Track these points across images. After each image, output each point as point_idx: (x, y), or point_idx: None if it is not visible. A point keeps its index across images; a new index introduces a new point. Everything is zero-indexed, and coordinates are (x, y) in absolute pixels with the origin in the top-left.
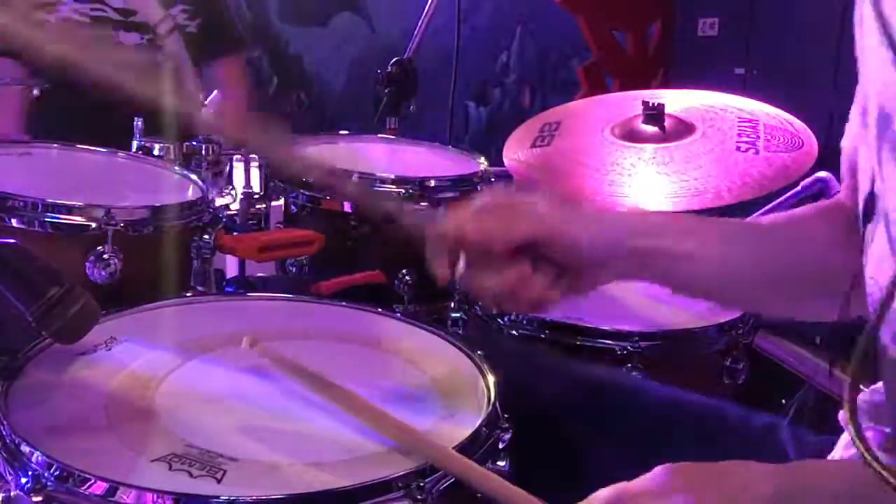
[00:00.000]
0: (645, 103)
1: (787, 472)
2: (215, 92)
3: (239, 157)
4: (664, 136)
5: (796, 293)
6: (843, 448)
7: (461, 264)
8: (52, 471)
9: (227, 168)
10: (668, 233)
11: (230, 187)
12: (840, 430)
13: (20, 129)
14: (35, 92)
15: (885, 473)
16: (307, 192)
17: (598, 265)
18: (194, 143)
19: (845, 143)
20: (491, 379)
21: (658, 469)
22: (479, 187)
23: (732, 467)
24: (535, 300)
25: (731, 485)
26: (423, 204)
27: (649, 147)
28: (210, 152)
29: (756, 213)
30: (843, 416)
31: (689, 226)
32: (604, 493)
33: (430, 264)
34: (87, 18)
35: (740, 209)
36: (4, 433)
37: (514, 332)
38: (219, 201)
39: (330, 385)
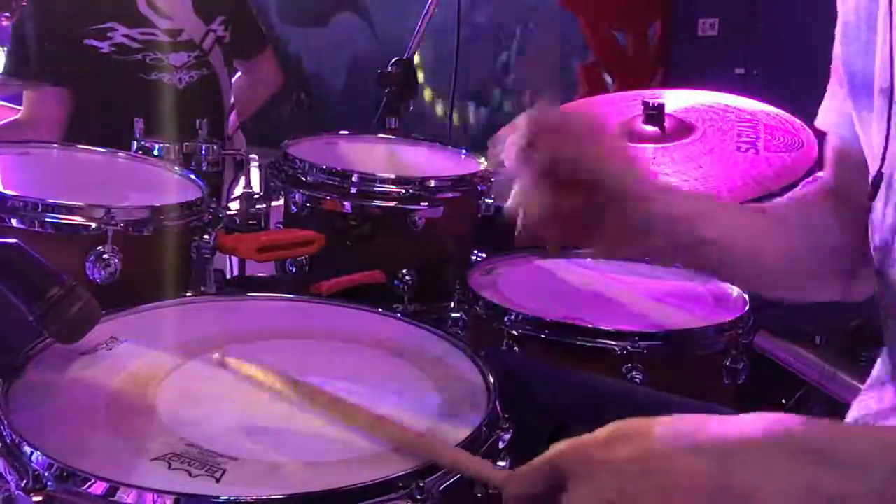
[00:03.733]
0: (645, 103)
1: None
2: (238, 74)
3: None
4: (664, 136)
5: (808, 276)
6: None
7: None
8: (52, 471)
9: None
10: (699, 218)
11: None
12: None
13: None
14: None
15: None
16: (307, 192)
17: (640, 233)
18: (195, 143)
19: (828, 126)
20: (491, 379)
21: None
22: (479, 187)
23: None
24: (570, 235)
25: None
26: (423, 204)
27: (649, 147)
28: (210, 152)
29: None
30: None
31: (715, 211)
32: (558, 445)
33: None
34: (139, 44)
35: None
36: (4, 433)
37: (514, 332)
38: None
39: (308, 386)
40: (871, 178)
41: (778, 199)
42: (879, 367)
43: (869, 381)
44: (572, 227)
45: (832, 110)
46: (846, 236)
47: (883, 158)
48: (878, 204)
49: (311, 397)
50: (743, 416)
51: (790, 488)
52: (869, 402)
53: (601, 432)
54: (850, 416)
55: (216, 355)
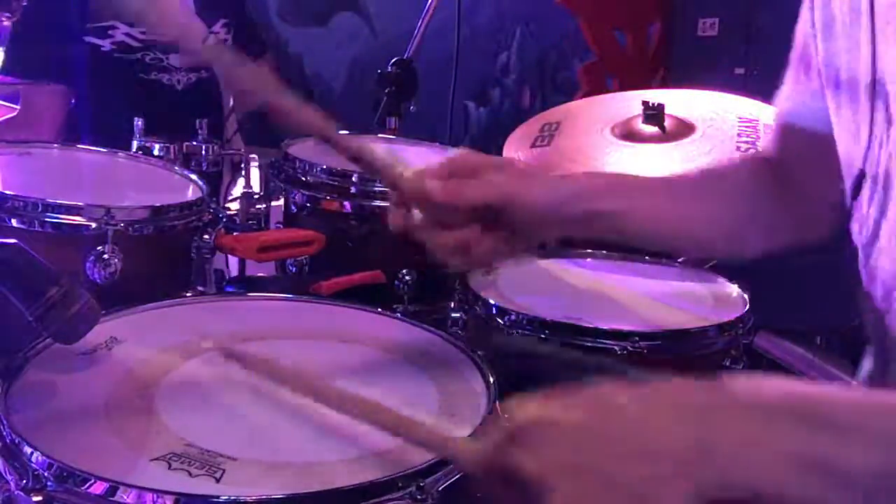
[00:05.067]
0: (645, 103)
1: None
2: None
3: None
4: (664, 136)
5: (719, 238)
6: None
7: (416, 215)
8: (51, 471)
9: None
10: (616, 193)
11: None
12: None
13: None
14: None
15: None
16: (307, 192)
17: (549, 227)
18: (194, 143)
19: (780, 105)
20: (491, 379)
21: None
22: None
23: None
24: (484, 257)
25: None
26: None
27: (649, 147)
28: (210, 152)
29: None
30: None
31: (637, 184)
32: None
33: (388, 210)
34: (139, 43)
35: None
36: (4, 433)
37: (514, 332)
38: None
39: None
40: (853, 175)
41: (692, 169)
42: (865, 366)
43: (857, 379)
44: (479, 247)
45: (786, 94)
46: (772, 203)
47: (866, 156)
48: (862, 201)
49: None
50: (727, 379)
51: (776, 456)
52: None
53: (570, 396)
54: None
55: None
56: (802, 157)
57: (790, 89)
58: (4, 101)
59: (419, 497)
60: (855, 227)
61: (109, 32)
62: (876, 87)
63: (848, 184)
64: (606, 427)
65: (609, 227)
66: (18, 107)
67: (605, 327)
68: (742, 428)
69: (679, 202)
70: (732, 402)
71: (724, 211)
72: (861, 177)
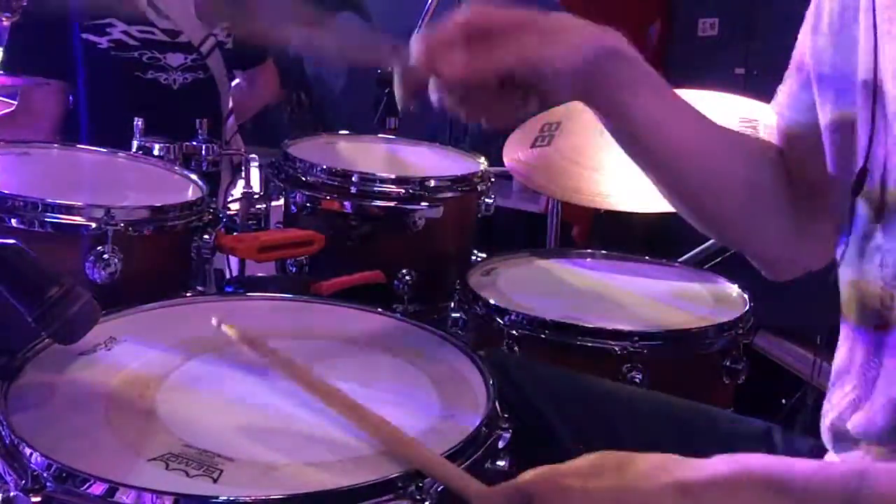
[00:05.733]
0: None
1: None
2: (237, 81)
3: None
4: None
5: (743, 203)
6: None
7: (432, 91)
8: (51, 471)
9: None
10: (645, 85)
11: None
12: None
13: (57, 132)
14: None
15: None
16: (307, 192)
17: (565, 91)
18: (194, 143)
19: (778, 106)
20: (491, 379)
21: (593, 454)
22: (479, 187)
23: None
24: (500, 117)
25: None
26: (423, 204)
27: None
28: (210, 152)
29: None
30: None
31: (666, 89)
32: (534, 471)
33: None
34: (136, 41)
35: None
36: (4, 433)
37: (514, 332)
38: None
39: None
40: (855, 173)
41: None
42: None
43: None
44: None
45: (784, 94)
46: (785, 189)
47: (867, 154)
48: (861, 199)
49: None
50: (713, 458)
51: None
52: (833, 395)
53: (580, 462)
54: (824, 409)
55: (214, 320)
56: (804, 152)
57: (788, 87)
58: (3, 97)
59: (419, 497)
60: (853, 225)
61: (106, 30)
62: (877, 85)
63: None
64: (617, 497)
65: (621, 112)
66: (15, 102)
67: (605, 327)
68: (735, 499)
69: (705, 133)
70: (725, 476)
71: (747, 169)
72: (863, 175)
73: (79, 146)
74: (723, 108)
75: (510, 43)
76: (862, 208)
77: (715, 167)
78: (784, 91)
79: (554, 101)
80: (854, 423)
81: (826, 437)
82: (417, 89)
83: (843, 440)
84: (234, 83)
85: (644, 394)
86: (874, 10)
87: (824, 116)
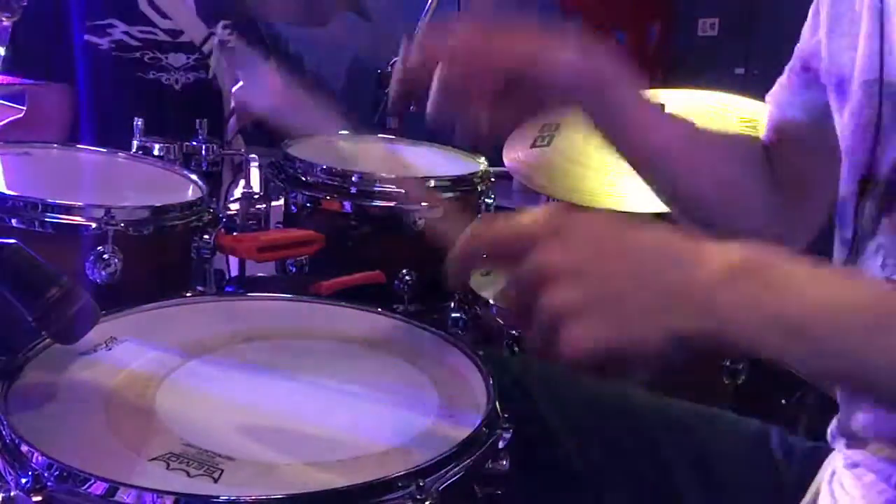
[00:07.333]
0: None
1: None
2: (240, 83)
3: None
4: None
5: (731, 199)
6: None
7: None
8: (52, 471)
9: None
10: (636, 94)
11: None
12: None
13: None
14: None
15: None
16: (307, 192)
17: (561, 100)
18: (194, 143)
19: (772, 97)
20: (491, 379)
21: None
22: (479, 187)
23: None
24: (500, 128)
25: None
26: (423, 204)
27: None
28: (210, 152)
29: None
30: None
31: (659, 109)
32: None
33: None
34: (138, 42)
35: None
36: (4, 433)
37: (514, 331)
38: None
39: None
40: (860, 173)
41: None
42: None
43: None
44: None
45: (783, 89)
46: (770, 187)
47: (873, 154)
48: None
49: None
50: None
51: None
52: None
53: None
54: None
55: None
56: (793, 147)
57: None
58: (7, 101)
59: (419, 497)
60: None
61: (107, 31)
62: (883, 86)
63: (852, 182)
64: (611, 231)
65: (611, 121)
66: (24, 108)
67: None
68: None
69: (694, 139)
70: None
71: (733, 168)
72: (869, 175)
73: (79, 146)
74: (723, 107)
75: (510, 45)
76: (865, 208)
77: (698, 167)
78: (784, 85)
79: (552, 105)
80: (861, 423)
81: (832, 436)
82: (413, 90)
83: (851, 439)
84: (234, 88)
85: (644, 394)
86: (881, 11)
87: (839, 118)
